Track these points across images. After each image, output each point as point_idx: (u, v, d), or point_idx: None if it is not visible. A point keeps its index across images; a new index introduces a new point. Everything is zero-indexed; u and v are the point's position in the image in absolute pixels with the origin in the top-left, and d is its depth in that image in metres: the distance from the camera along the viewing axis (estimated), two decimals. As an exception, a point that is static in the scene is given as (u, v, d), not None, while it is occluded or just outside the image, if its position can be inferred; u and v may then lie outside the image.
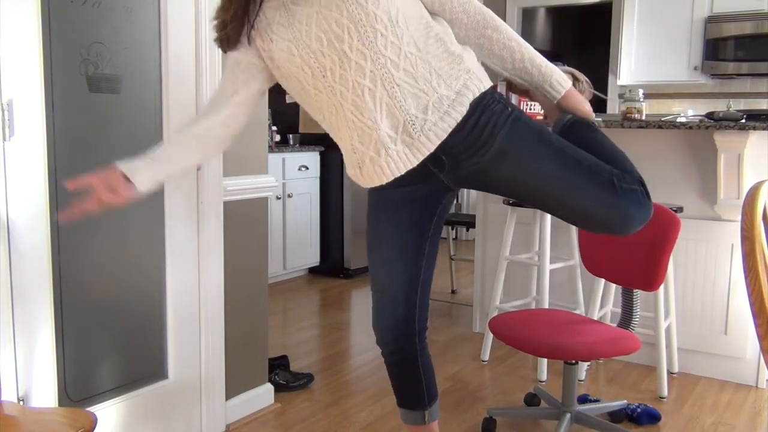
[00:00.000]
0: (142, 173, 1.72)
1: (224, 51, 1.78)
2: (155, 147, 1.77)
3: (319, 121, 1.80)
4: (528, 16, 6.90)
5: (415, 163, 1.69)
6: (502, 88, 2.55)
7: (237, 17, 1.71)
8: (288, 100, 5.56)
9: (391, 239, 1.88)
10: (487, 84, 1.71)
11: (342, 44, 1.62)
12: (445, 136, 1.66)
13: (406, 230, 1.87)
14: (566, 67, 2.02)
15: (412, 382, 1.97)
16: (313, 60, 1.65)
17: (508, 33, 1.76)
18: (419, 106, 1.65)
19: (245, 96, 1.81)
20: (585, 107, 1.83)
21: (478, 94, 1.67)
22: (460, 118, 1.65)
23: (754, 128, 2.91)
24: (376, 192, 1.87)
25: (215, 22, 1.77)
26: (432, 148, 1.67)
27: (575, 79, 2.00)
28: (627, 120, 3.22)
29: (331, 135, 1.80)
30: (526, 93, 1.89)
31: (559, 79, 1.79)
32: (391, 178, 1.72)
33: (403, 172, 1.70)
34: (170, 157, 1.78)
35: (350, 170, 1.80)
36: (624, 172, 1.75)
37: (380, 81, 1.63)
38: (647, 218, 1.73)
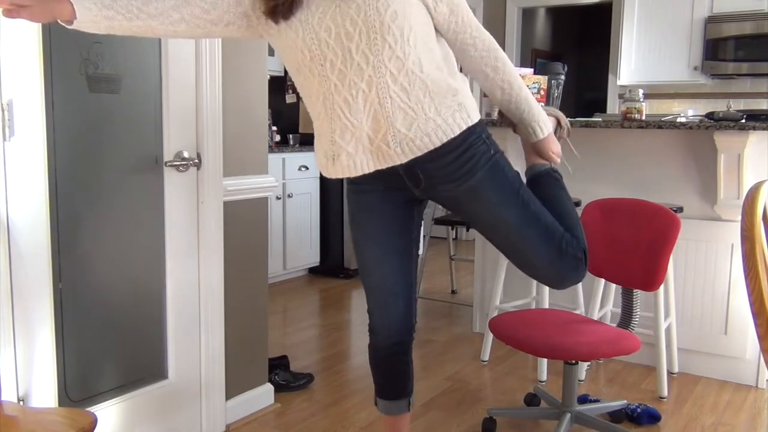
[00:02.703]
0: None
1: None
2: None
3: (304, 97, 1.84)
4: (528, 16, 6.91)
5: (384, 167, 1.78)
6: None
7: None
8: (288, 101, 5.57)
9: (381, 240, 1.96)
10: (476, 118, 1.80)
11: (350, 42, 1.67)
12: (419, 153, 1.75)
13: (395, 232, 1.96)
14: (553, 109, 2.16)
15: (402, 372, 2.10)
16: (316, 47, 1.69)
17: (510, 71, 1.87)
18: (405, 122, 1.72)
19: (217, 27, 1.76)
20: (552, 155, 2.00)
21: (464, 128, 1.76)
22: (438, 144, 1.75)
23: (754, 128, 2.91)
24: (358, 197, 1.95)
25: None
26: (403, 160, 1.76)
27: (558, 123, 2.14)
28: (627, 120, 3.22)
29: (311, 115, 1.84)
30: (513, 125, 2.03)
31: (543, 125, 1.95)
32: (359, 174, 1.79)
33: (370, 171, 1.78)
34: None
35: (321, 159, 1.84)
36: (573, 237, 1.89)
37: (375, 88, 1.70)
38: (579, 281, 1.92)
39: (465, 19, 1.80)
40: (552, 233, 1.85)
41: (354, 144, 1.76)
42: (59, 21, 1.60)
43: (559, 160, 2.02)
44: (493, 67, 1.85)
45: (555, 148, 1.99)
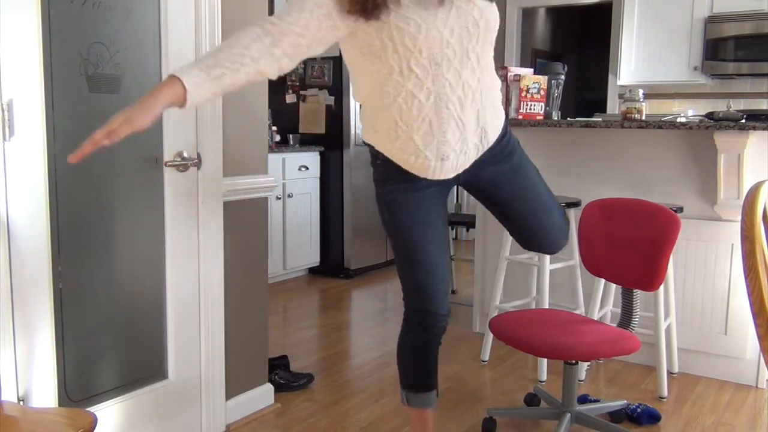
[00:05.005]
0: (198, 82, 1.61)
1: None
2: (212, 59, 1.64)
3: (392, 104, 1.80)
4: (528, 16, 6.90)
5: (471, 163, 1.93)
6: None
7: None
8: (288, 101, 5.57)
9: (436, 227, 2.04)
10: None
11: (469, 43, 1.78)
12: (492, 144, 1.94)
13: (441, 220, 2.06)
14: None
15: (435, 360, 2.17)
16: (437, 45, 1.73)
17: None
18: (490, 117, 1.90)
19: (317, 47, 1.75)
20: None
21: (505, 119, 2.02)
22: (498, 136, 1.95)
23: (754, 128, 2.91)
24: (413, 194, 1.97)
25: None
26: (482, 152, 1.92)
27: None
28: (627, 120, 3.22)
29: (403, 121, 1.81)
30: None
31: None
32: (456, 174, 1.93)
33: (464, 169, 1.94)
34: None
35: (431, 162, 1.85)
36: None
37: (481, 88, 1.85)
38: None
39: None
40: (557, 202, 2.18)
41: (460, 144, 1.86)
42: (172, 107, 1.60)
43: None
44: None
45: None
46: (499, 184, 2.04)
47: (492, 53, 1.91)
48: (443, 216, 2.07)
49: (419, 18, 1.70)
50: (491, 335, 3.42)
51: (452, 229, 5.14)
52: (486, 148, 1.92)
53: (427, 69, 1.75)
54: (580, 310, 3.37)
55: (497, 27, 1.85)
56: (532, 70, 3.62)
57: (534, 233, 2.13)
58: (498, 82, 1.96)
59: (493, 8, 1.83)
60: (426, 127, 1.81)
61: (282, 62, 1.69)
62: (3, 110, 1.87)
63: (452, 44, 1.75)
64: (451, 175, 1.92)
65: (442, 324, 2.10)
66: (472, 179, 2.00)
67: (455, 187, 2.07)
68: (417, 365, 2.15)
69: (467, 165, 1.92)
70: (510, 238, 3.35)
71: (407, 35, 1.70)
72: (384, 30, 1.71)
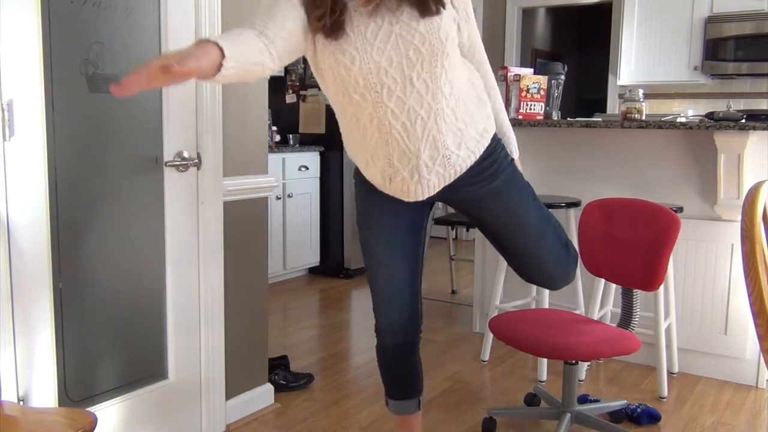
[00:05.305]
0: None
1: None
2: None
3: (345, 120, 1.83)
4: (528, 16, 6.91)
5: (437, 190, 1.83)
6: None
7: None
8: (288, 101, 5.57)
9: (391, 240, 1.98)
10: (494, 129, 1.91)
11: (411, 71, 1.69)
12: (465, 169, 1.82)
13: (405, 233, 1.98)
14: None
15: (412, 370, 2.11)
16: (373, 75, 1.68)
17: (498, 93, 2.01)
18: (454, 143, 1.79)
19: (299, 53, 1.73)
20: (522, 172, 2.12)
21: (492, 135, 1.88)
22: (479, 157, 1.83)
23: (754, 128, 2.91)
24: (372, 197, 1.95)
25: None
26: (453, 179, 1.82)
27: None
28: (627, 120, 3.22)
29: (356, 139, 1.83)
30: None
31: (516, 146, 2.05)
32: (414, 200, 1.85)
33: (424, 198, 1.84)
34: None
35: (378, 179, 1.86)
36: (568, 238, 2.05)
37: (434, 114, 1.74)
38: (571, 281, 2.08)
39: (477, 39, 1.89)
40: (559, 232, 2.00)
41: (410, 170, 1.79)
42: (198, 76, 1.45)
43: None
44: (491, 86, 1.95)
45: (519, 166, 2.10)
46: (479, 207, 1.93)
47: (459, 71, 1.78)
48: (413, 231, 1.98)
49: (354, 50, 1.66)
50: (491, 335, 3.42)
51: (452, 229, 5.14)
52: (458, 174, 1.82)
53: (366, 97, 1.71)
54: (580, 310, 3.37)
55: (451, 43, 1.72)
56: (532, 70, 3.62)
57: (526, 264, 2.00)
58: (478, 98, 1.85)
59: (440, 26, 1.69)
60: (373, 147, 1.79)
61: (275, 64, 1.66)
62: (3, 110, 1.87)
63: (391, 73, 1.68)
64: (408, 199, 1.85)
65: (397, 342, 2.04)
66: (448, 199, 1.94)
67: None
68: (389, 375, 2.13)
69: (431, 192, 1.83)
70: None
71: (342, 66, 1.68)
72: (326, 55, 1.69)
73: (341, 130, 1.91)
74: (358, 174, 1.98)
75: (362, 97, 1.72)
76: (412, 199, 1.85)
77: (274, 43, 1.63)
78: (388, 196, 1.90)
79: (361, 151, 1.85)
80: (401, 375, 2.11)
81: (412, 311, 2.03)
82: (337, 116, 1.88)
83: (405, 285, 2.00)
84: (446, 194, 1.89)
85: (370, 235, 2.00)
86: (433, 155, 1.77)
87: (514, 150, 2.02)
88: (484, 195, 1.89)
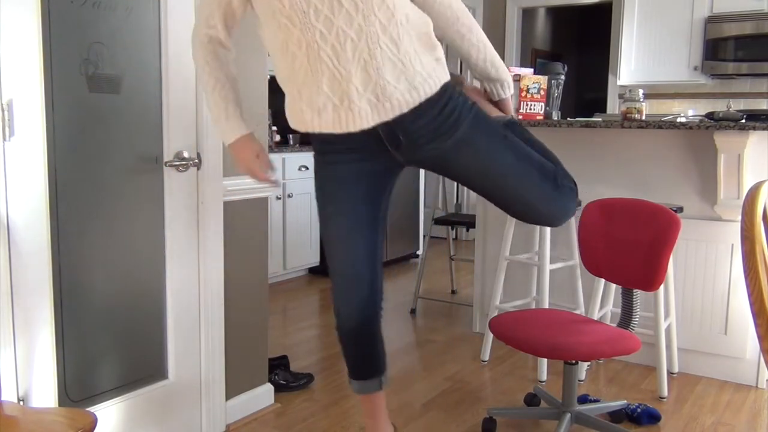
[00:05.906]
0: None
1: None
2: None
3: (277, 54, 1.81)
4: (528, 16, 6.91)
5: (372, 124, 1.75)
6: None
7: None
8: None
9: (350, 213, 1.93)
10: (448, 77, 1.83)
11: None
12: (406, 109, 1.75)
13: (363, 205, 1.92)
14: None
15: (371, 350, 2.07)
16: None
17: (479, 34, 1.91)
18: (393, 74, 1.72)
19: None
20: (511, 110, 2.07)
21: (443, 83, 1.79)
22: (425, 98, 1.76)
23: (754, 128, 2.91)
24: (328, 168, 1.91)
25: None
26: (392, 115, 1.75)
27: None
28: (627, 120, 3.22)
29: (287, 72, 1.81)
30: (476, 92, 2.05)
31: (509, 85, 2.01)
32: (345, 131, 1.77)
33: (357, 129, 1.76)
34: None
35: (306, 114, 1.81)
36: (562, 170, 1.94)
37: (365, 37, 1.69)
38: (575, 213, 1.99)
39: None
40: (545, 168, 1.89)
41: (340, 96, 1.73)
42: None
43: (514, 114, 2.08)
44: (468, 27, 1.88)
45: (511, 106, 2.07)
46: (449, 162, 1.84)
47: (405, 3, 1.73)
48: (372, 200, 1.92)
49: None
50: (491, 335, 3.42)
51: (452, 229, 5.13)
52: (397, 110, 1.73)
53: (294, 19, 1.69)
54: (580, 310, 3.37)
55: None
56: (532, 70, 3.62)
57: (520, 208, 1.92)
58: (428, 38, 1.79)
59: None
60: (302, 77, 1.76)
61: (223, 36, 1.89)
62: (3, 110, 1.87)
63: None
64: (339, 131, 1.77)
65: (353, 324, 2.01)
66: (415, 161, 1.86)
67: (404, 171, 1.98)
68: (348, 356, 2.10)
69: (365, 124, 1.75)
70: (510, 238, 3.35)
71: None
72: None
73: (274, 70, 1.88)
74: (316, 145, 1.94)
75: (290, 20, 1.69)
76: (343, 130, 1.77)
77: (220, 28, 1.84)
78: (348, 166, 1.86)
79: (290, 83, 1.81)
80: (360, 356, 2.08)
81: (370, 294, 1.98)
82: (270, 54, 1.86)
83: (363, 265, 1.95)
84: (411, 155, 1.83)
85: (327, 210, 1.95)
86: (364, 80, 1.71)
87: (507, 88, 1.99)
88: (451, 147, 1.80)
